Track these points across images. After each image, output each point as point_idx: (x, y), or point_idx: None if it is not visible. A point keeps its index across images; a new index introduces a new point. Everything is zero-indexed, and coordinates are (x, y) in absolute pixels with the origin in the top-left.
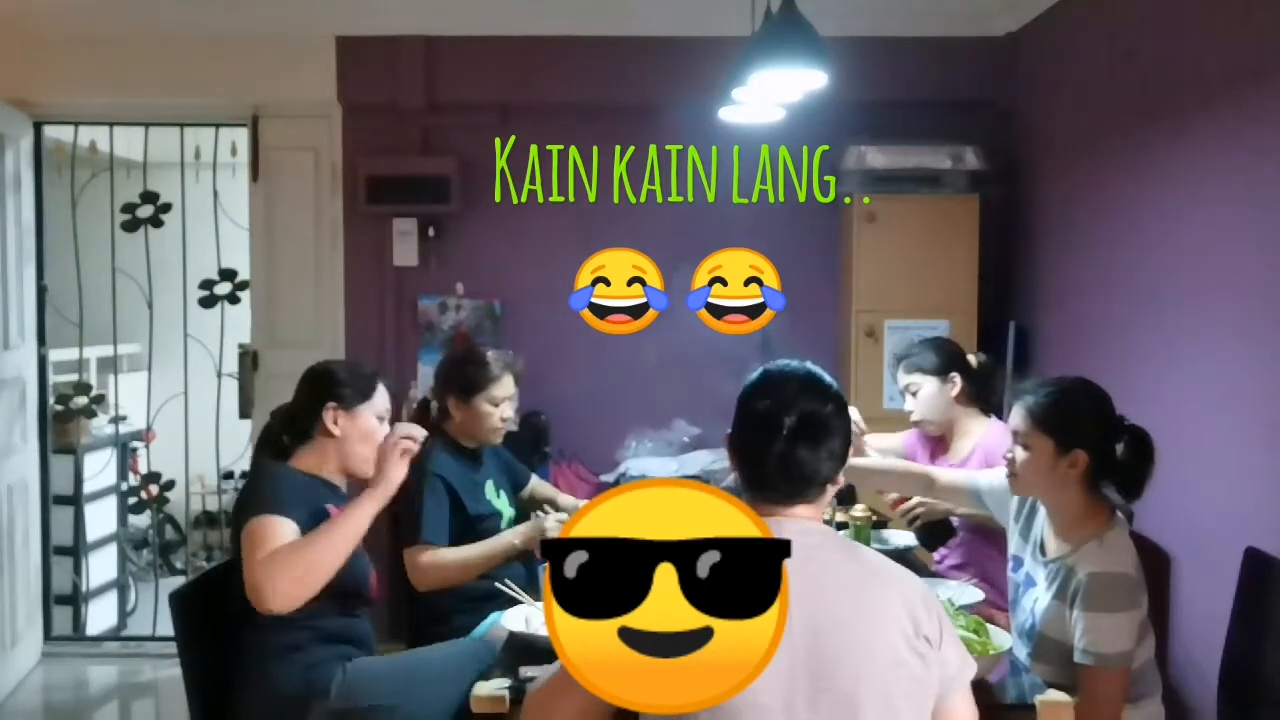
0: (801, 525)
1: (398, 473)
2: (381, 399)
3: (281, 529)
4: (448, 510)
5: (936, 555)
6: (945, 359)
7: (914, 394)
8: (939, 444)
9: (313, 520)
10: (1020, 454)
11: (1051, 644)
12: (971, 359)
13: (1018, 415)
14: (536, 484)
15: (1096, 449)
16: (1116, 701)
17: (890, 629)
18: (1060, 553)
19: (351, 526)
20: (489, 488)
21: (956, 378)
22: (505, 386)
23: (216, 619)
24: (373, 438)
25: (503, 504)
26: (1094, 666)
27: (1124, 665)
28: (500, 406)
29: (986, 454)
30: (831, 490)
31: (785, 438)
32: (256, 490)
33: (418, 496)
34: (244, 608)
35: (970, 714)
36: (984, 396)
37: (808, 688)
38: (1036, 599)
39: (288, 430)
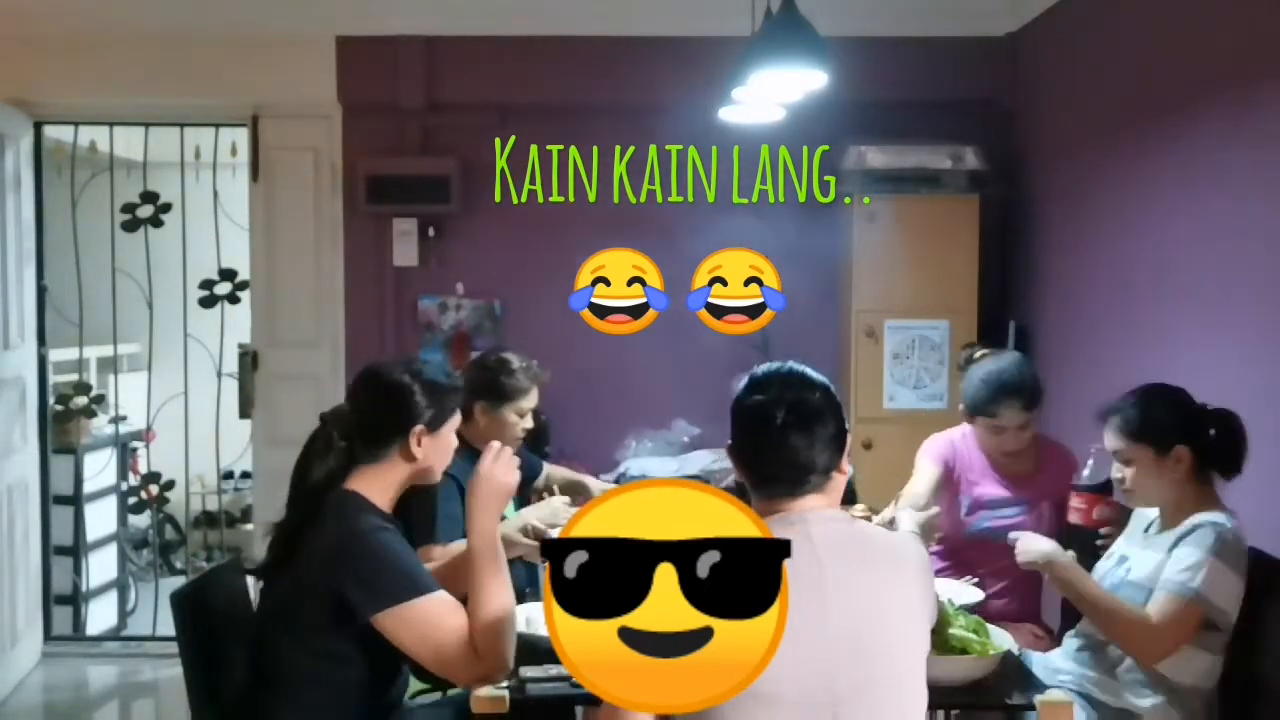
0: (823, 515)
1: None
2: (459, 410)
3: (447, 604)
4: (461, 512)
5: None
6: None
7: (1024, 429)
8: (996, 463)
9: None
10: (1128, 471)
11: (1131, 589)
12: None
13: (1111, 435)
14: (552, 470)
15: (1194, 441)
16: (1179, 638)
17: (915, 613)
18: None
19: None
20: None
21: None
22: (532, 398)
23: (217, 619)
24: (448, 452)
25: (508, 509)
26: (1185, 598)
27: (1198, 605)
28: (524, 418)
29: (1057, 463)
30: (840, 480)
31: (779, 428)
32: (386, 563)
33: (431, 493)
34: (309, 661)
35: None
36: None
37: (850, 685)
38: (1122, 559)
39: (352, 440)
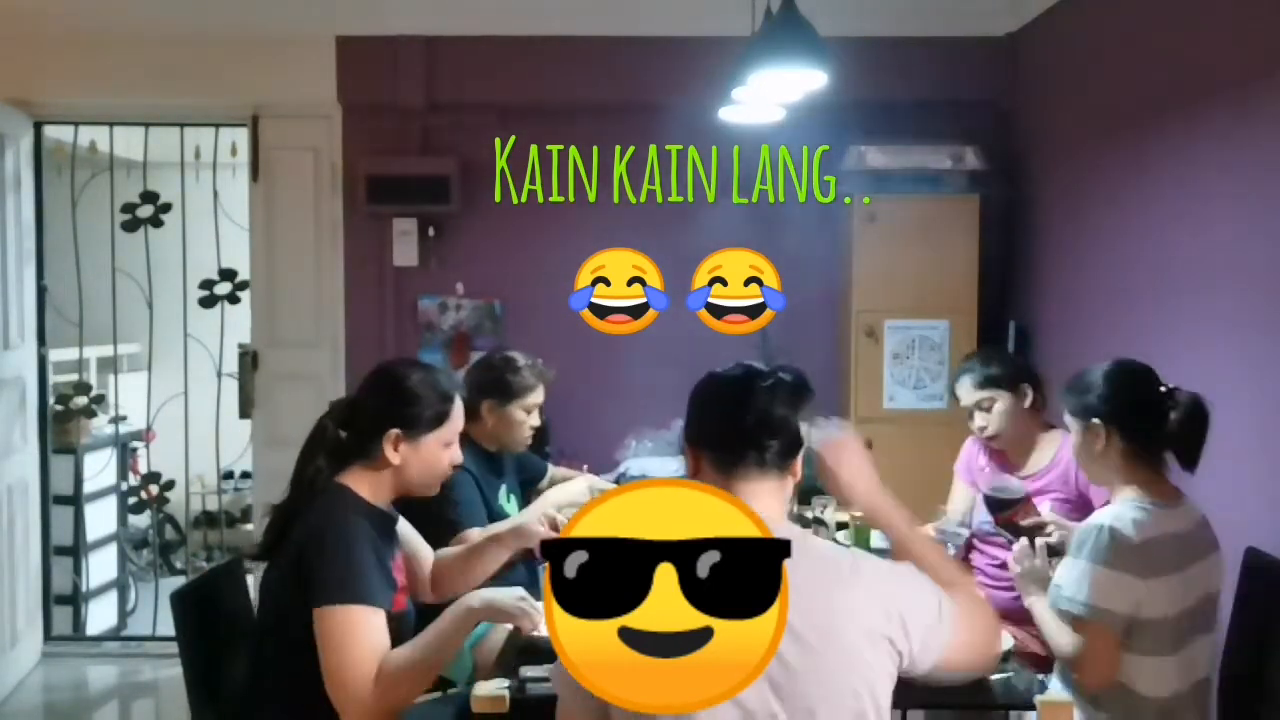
0: (777, 529)
1: (512, 610)
2: (453, 425)
3: (374, 625)
4: (477, 497)
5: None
6: (1016, 370)
7: (986, 410)
8: (1001, 457)
9: (388, 587)
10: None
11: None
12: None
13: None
14: (555, 471)
15: (1118, 418)
16: (1105, 660)
17: (873, 631)
18: None
19: (456, 643)
20: (502, 492)
21: (1028, 388)
22: (538, 396)
23: (217, 619)
24: (435, 467)
25: (512, 509)
26: (1081, 616)
27: (1099, 620)
28: (531, 415)
29: (1066, 466)
30: (789, 485)
31: (756, 390)
32: (336, 558)
33: (449, 489)
34: (289, 665)
35: (965, 638)
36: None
37: (792, 694)
38: None
39: (346, 429)
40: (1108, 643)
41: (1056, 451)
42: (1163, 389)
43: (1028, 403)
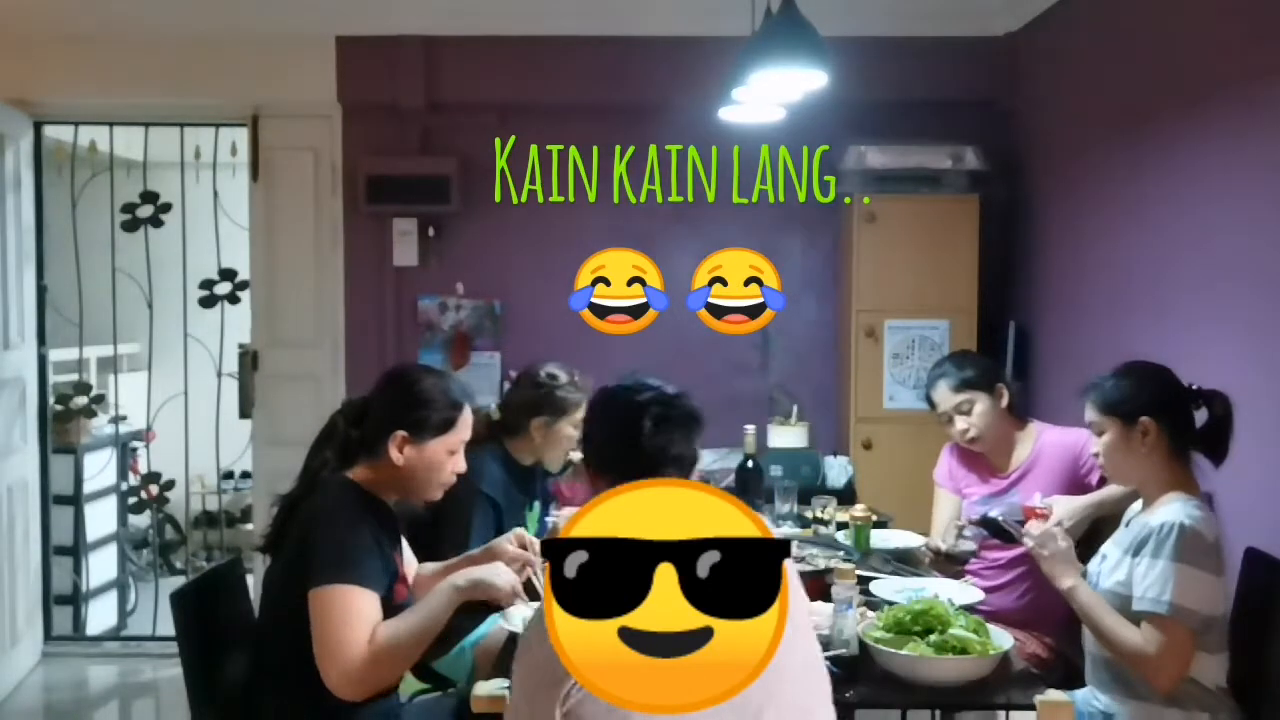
0: None
1: (499, 584)
2: (459, 433)
3: (366, 605)
4: (493, 531)
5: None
6: (989, 371)
7: (966, 413)
8: (981, 460)
9: (385, 573)
10: (1099, 443)
11: (1109, 596)
12: None
13: (1088, 409)
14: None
15: (1165, 415)
16: (1182, 659)
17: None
18: (1138, 513)
19: (441, 621)
20: (527, 509)
21: (1003, 388)
22: (584, 408)
23: (217, 619)
24: (438, 473)
25: (531, 519)
26: (1165, 616)
27: (1188, 624)
28: (578, 429)
29: (1053, 458)
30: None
31: (662, 426)
32: (332, 541)
33: (465, 512)
34: (288, 664)
35: None
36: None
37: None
38: (1104, 557)
39: (355, 428)
40: (1188, 642)
41: (1035, 444)
42: (1189, 385)
43: (1004, 402)
